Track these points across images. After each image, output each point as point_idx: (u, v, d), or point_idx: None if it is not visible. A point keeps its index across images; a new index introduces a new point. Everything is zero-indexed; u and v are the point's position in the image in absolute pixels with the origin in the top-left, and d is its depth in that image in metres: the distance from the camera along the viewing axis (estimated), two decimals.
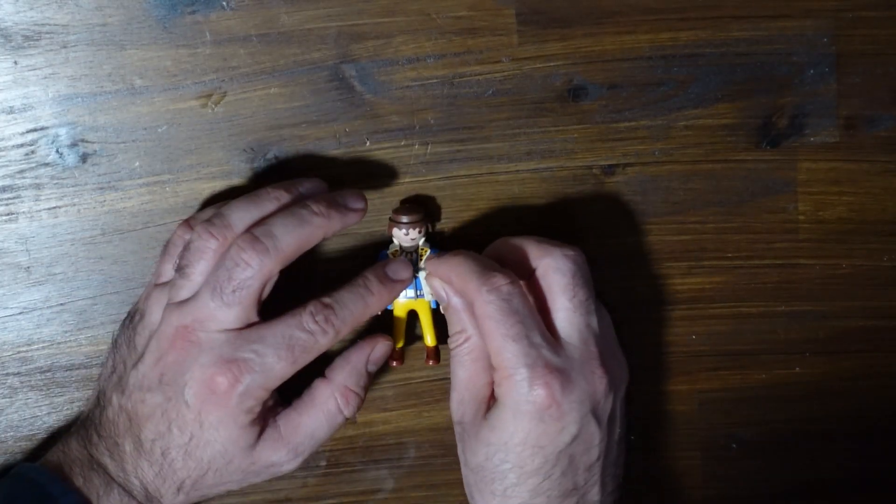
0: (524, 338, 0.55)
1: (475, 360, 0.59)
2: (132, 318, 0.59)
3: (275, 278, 0.57)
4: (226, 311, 0.55)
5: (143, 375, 0.57)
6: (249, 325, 0.56)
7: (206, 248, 0.56)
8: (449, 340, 0.60)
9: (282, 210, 0.57)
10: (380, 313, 0.62)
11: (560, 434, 0.56)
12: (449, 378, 0.66)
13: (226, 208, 0.57)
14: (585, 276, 0.58)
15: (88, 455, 0.58)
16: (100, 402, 0.59)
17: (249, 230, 0.56)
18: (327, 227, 0.57)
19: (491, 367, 0.57)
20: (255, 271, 0.55)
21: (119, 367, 0.59)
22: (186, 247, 0.57)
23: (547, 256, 0.58)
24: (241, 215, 0.56)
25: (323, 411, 0.59)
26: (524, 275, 0.58)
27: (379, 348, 0.61)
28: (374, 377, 0.62)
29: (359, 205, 0.58)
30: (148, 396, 0.56)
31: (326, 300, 0.57)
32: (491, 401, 0.58)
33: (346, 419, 0.60)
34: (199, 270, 0.56)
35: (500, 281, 0.56)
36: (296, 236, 0.56)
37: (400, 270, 0.60)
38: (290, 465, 0.59)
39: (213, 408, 0.55)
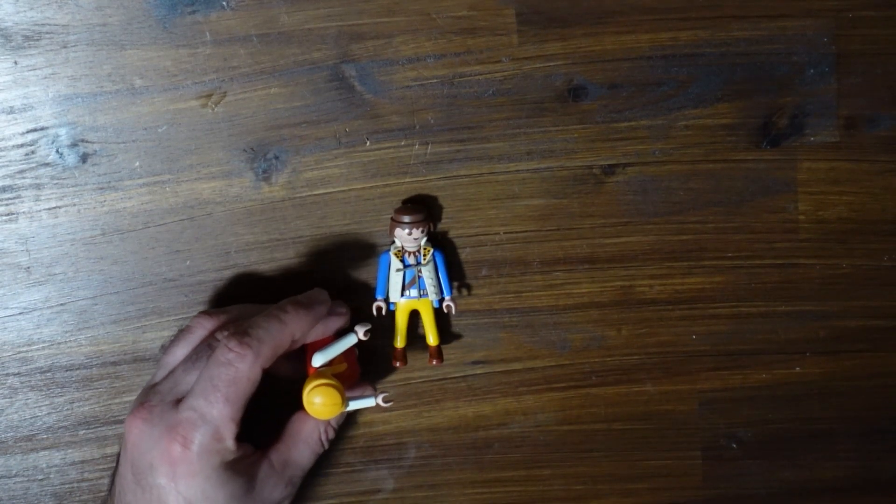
0: None
1: None
2: None
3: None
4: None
5: (121, 477, 0.57)
6: None
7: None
8: None
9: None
10: (383, 313, 0.62)
11: None
12: (449, 378, 0.66)
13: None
14: None
15: None
16: None
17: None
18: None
19: None
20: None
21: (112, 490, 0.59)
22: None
23: None
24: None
25: (308, 444, 0.60)
26: None
27: (360, 391, 0.61)
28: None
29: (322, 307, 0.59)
30: (130, 499, 0.56)
31: (239, 326, 0.57)
32: None
33: (325, 450, 0.61)
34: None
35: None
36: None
37: (314, 297, 0.59)
38: (288, 501, 0.59)
39: (185, 479, 0.55)
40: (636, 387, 0.67)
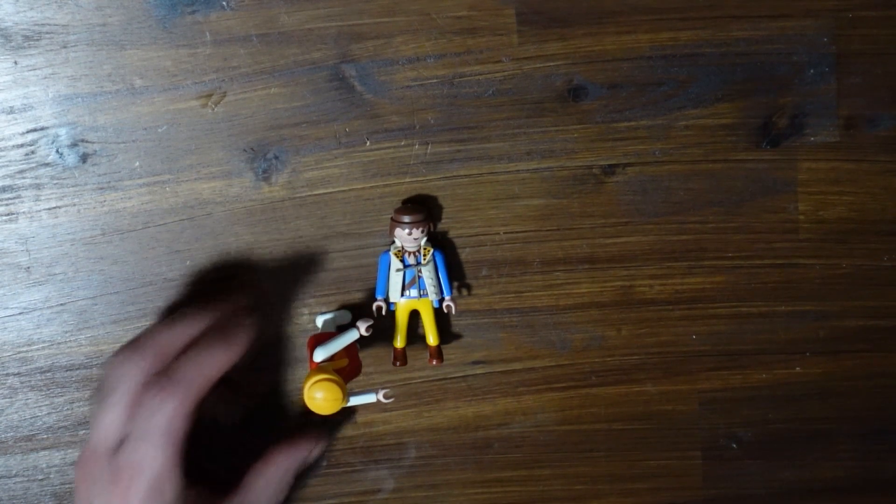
0: None
1: None
2: None
3: None
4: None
5: None
6: None
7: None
8: None
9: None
10: (383, 313, 0.62)
11: None
12: (449, 377, 0.66)
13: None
14: None
15: None
16: None
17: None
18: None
19: None
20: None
21: None
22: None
23: None
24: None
25: (265, 494, 0.60)
26: None
27: (312, 454, 0.62)
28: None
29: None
30: None
31: (162, 372, 0.56)
32: None
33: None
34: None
35: None
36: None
37: (235, 329, 0.58)
38: None
39: None
40: (636, 387, 0.68)
